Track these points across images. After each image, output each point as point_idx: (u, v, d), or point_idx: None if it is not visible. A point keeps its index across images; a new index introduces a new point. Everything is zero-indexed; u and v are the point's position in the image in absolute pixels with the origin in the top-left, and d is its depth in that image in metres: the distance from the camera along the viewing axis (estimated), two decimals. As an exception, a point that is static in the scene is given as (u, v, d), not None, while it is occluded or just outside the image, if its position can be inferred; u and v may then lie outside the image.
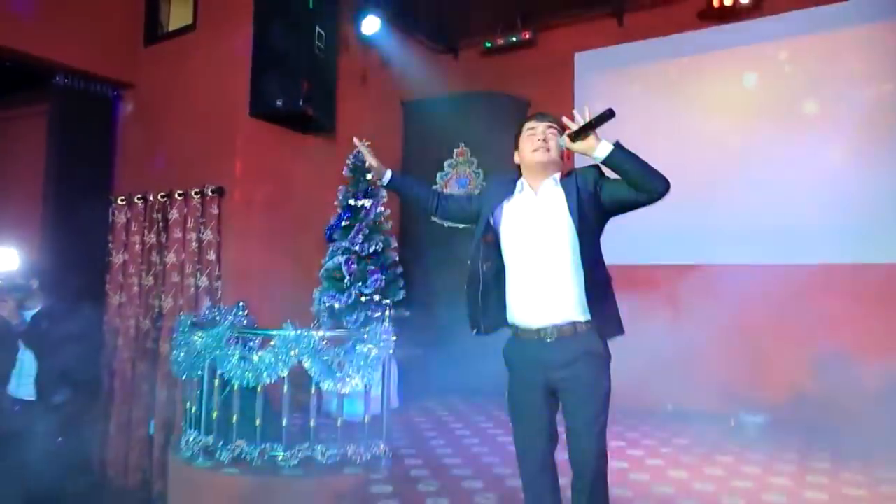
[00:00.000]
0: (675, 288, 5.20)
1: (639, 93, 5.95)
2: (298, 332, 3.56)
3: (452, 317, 6.00)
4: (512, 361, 2.26)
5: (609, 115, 1.99)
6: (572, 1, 6.03)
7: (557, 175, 2.24)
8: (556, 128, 2.25)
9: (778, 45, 5.34)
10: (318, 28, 5.13)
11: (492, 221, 2.25)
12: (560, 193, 2.18)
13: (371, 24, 5.85)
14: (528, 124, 2.29)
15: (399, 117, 6.75)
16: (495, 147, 6.33)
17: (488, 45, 6.54)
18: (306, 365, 3.56)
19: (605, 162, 2.04)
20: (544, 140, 2.21)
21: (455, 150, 6.56)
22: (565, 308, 2.11)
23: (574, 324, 2.11)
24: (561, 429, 2.14)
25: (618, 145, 2.03)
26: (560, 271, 2.12)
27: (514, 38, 6.37)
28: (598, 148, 2.03)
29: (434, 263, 6.09)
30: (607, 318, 2.15)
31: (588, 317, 2.10)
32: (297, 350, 3.54)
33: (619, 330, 2.18)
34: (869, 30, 5.00)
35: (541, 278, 2.14)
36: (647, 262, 4.98)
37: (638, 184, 2.02)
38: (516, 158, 2.36)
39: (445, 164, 6.58)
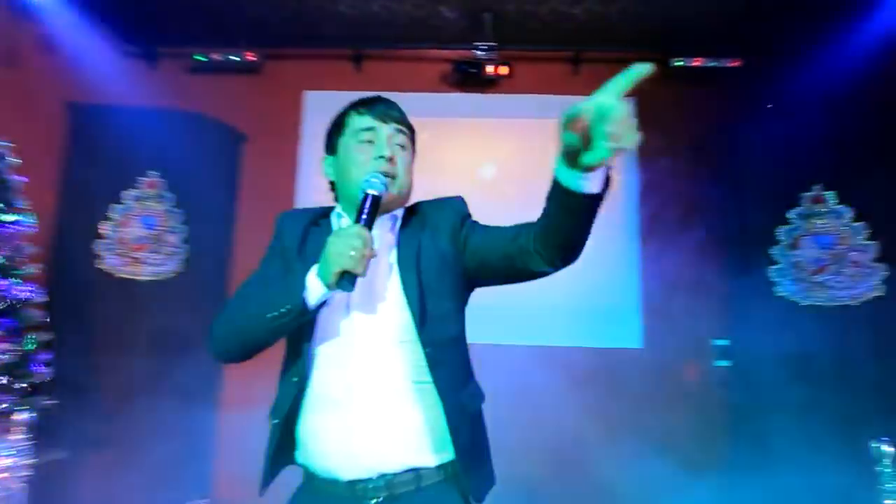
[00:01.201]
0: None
1: (376, 146, 5.47)
2: None
3: (127, 404, 4.41)
4: None
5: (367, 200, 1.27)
6: (306, 31, 5.31)
7: (399, 212, 1.41)
8: (408, 135, 1.42)
9: (514, 122, 5.42)
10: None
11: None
12: (394, 252, 1.33)
13: (33, -14, 4.18)
14: (364, 121, 1.37)
15: (61, 122, 4.98)
16: (200, 182, 5.11)
17: (200, 58, 5.33)
18: None
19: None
20: (390, 158, 1.35)
21: (143, 179, 5.10)
22: (401, 446, 1.24)
23: (417, 473, 1.24)
24: None
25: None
26: (393, 383, 1.25)
27: (235, 58, 5.30)
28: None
29: (101, 327, 4.44)
30: (473, 459, 1.31)
31: (442, 460, 1.27)
32: None
33: (490, 479, 1.37)
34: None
35: (359, 394, 1.23)
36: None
37: (567, 244, 1.24)
38: (328, 172, 1.44)
39: (127, 195, 5.06)
